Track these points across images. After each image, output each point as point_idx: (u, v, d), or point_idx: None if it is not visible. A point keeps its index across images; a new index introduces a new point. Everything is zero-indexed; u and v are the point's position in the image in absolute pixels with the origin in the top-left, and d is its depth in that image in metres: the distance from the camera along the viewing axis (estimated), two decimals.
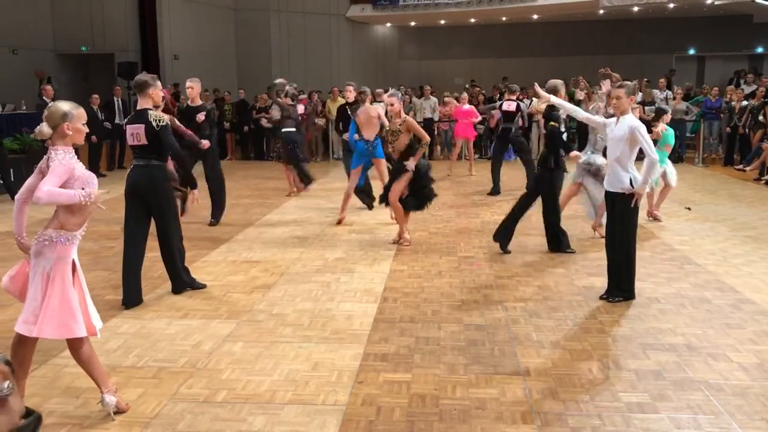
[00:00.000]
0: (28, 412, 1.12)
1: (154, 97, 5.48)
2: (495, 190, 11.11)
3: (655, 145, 8.67)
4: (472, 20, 23.15)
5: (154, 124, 5.40)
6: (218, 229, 8.63)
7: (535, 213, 7.38)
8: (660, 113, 8.91)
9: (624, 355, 4.51)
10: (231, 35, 21.50)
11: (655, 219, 8.77)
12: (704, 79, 22.39)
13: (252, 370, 4.30)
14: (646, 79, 16.56)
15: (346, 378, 4.16)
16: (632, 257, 5.57)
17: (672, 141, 8.76)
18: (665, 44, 23.17)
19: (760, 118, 13.45)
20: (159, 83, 5.56)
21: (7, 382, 1.03)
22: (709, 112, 15.22)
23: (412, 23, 24.22)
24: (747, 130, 13.84)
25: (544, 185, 7.08)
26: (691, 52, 24.19)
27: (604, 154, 6.62)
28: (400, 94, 7.51)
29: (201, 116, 8.48)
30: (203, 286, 6.04)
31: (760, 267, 6.65)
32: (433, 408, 3.77)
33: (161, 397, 3.93)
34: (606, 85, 7.72)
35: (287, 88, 10.88)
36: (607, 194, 5.69)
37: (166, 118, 5.54)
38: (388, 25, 24.55)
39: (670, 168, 8.69)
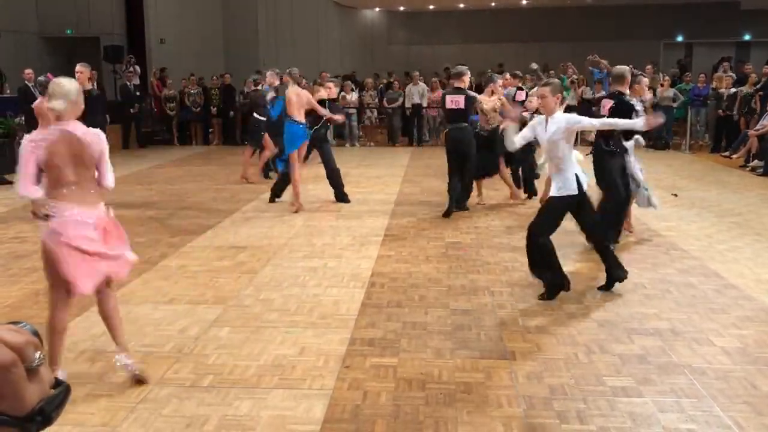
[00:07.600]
0: (57, 383, 1.12)
1: (465, 80, 7.77)
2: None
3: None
4: (461, 5, 23.09)
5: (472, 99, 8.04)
6: (205, 214, 8.59)
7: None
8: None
9: (609, 339, 4.54)
10: (218, 19, 21.28)
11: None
12: (692, 65, 22.46)
13: (238, 354, 4.29)
14: (632, 66, 16.55)
15: (333, 363, 4.17)
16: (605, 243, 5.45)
17: None
18: (653, 31, 23.22)
19: (752, 104, 13.51)
20: (468, 71, 8.14)
21: (39, 352, 1.03)
22: (697, 99, 15.27)
23: (401, 8, 24.12)
24: (738, 116, 13.87)
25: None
26: (679, 38, 24.25)
27: None
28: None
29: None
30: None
31: (744, 253, 6.71)
32: (420, 392, 3.79)
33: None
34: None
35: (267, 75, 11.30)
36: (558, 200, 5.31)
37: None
38: (377, 9, 24.43)
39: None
